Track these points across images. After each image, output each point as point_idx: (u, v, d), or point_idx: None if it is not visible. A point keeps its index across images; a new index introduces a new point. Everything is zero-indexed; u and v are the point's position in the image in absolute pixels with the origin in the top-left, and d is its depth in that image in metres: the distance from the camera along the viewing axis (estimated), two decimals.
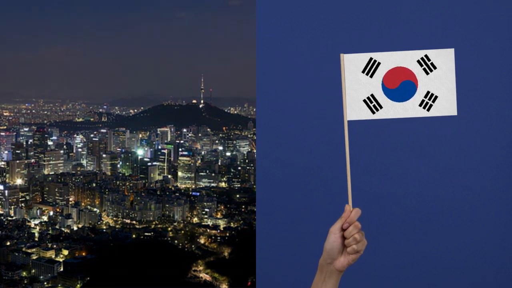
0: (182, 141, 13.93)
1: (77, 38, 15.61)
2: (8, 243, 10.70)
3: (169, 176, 12.92)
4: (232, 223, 11.52)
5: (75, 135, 14.16)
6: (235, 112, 15.34)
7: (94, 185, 12.39)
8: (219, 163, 13.02)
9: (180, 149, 13.26)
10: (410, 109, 1.89)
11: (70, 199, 12.22)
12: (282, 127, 3.86)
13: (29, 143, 13.26)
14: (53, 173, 12.79)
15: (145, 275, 10.05)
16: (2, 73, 14.88)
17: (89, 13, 15.13)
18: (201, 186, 12.60)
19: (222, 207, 11.81)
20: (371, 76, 1.89)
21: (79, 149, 13.75)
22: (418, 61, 1.88)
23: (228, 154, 13.29)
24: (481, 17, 3.74)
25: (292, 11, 3.83)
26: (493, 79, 3.77)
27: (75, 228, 11.47)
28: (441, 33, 3.76)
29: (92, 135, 14.07)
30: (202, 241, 11.24)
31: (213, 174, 12.69)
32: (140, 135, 14.14)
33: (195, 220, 11.73)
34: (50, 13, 15.23)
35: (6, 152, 13.01)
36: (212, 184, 12.60)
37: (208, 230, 11.40)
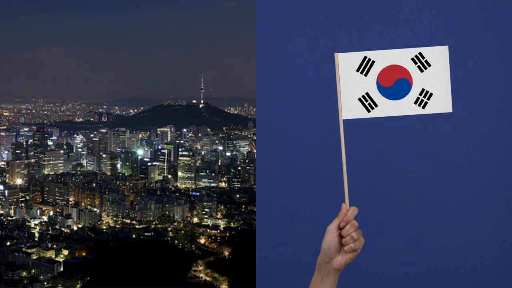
0: (182, 141, 13.93)
1: (77, 38, 15.61)
2: (8, 243, 10.70)
3: (169, 176, 12.92)
4: (232, 223, 11.52)
5: (75, 135, 14.16)
6: (235, 112, 15.33)
7: (94, 185, 12.39)
8: (219, 163, 13.02)
9: (180, 149, 13.26)
10: (405, 107, 1.89)
11: (70, 199, 12.22)
12: (282, 127, 3.86)
13: (29, 143, 13.26)
14: (53, 173, 12.79)
15: (145, 275, 10.05)
16: (2, 73, 14.88)
17: (89, 13, 15.14)
18: (201, 186, 12.60)
19: (222, 207, 11.81)
20: (365, 75, 1.90)
21: (79, 149, 13.74)
22: (413, 59, 1.88)
23: (228, 154, 13.29)
24: (475, 14, 3.74)
25: (292, 11, 3.83)
26: (488, 75, 3.77)
27: (75, 228, 11.47)
28: (435, 30, 3.76)
29: (92, 135, 14.07)
30: (202, 241, 11.24)
31: (213, 174, 12.68)
32: (140, 135, 14.13)
33: (195, 220, 11.73)
34: (50, 13, 15.23)
35: (6, 152, 13.01)
36: (212, 184, 12.60)
37: (208, 230, 11.40)
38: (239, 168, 12.72)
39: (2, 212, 11.64)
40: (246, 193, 12.15)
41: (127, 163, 13.20)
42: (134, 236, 11.30)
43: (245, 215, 11.58)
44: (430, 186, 3.81)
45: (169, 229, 11.45)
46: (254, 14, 3.87)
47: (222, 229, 11.40)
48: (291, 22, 3.84)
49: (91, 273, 10.11)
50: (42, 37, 15.64)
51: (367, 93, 1.90)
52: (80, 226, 11.58)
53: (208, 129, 14.06)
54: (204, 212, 11.72)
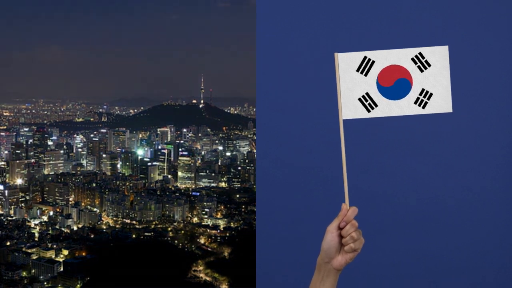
0: (182, 141, 13.93)
1: (77, 38, 15.61)
2: (8, 243, 10.70)
3: (169, 176, 12.92)
4: (232, 223, 11.51)
5: (75, 135, 14.16)
6: (235, 112, 15.33)
7: (94, 185, 12.39)
8: (219, 163, 13.02)
9: (180, 149, 13.26)
10: (405, 107, 1.89)
11: (70, 199, 12.22)
12: (282, 127, 3.86)
13: (29, 143, 13.26)
14: (53, 173, 12.79)
15: (145, 275, 10.04)
16: (2, 73, 14.88)
17: (89, 12, 15.14)
18: (201, 186, 12.59)
19: (222, 207, 11.81)
20: (365, 75, 1.90)
21: (79, 149, 13.74)
22: (413, 59, 1.88)
23: (228, 154, 13.29)
24: (475, 13, 3.74)
25: (292, 11, 3.83)
26: (488, 75, 3.77)
27: (75, 228, 11.47)
28: (435, 30, 3.76)
29: (92, 135, 14.07)
30: (202, 241, 11.24)
31: (213, 174, 12.68)
32: (140, 135, 14.13)
33: (195, 220, 11.73)
34: (50, 13, 15.23)
35: (6, 152, 13.01)
36: (212, 184, 12.59)
37: (208, 230, 11.40)
38: (239, 168, 12.72)
39: (2, 212, 11.64)
40: (246, 193, 12.15)
41: (127, 163, 13.20)
42: (134, 236, 11.30)
43: (245, 215, 11.58)
44: (430, 186, 3.81)
45: (169, 229, 11.45)
46: (254, 14, 3.87)
47: (222, 229, 11.40)
48: (291, 22, 3.84)
49: (91, 273, 10.11)
50: (42, 37, 15.64)
51: (367, 93, 1.90)
52: (80, 226, 11.58)
53: (208, 129, 14.06)
54: (204, 212, 11.72)
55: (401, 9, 3.76)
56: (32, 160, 12.84)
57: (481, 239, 3.81)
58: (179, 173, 12.85)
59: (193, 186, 12.63)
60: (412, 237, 3.83)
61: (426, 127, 3.77)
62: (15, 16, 14.81)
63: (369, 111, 1.90)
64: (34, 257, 10.40)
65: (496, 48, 3.76)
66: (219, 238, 11.22)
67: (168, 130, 14.17)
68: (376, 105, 1.90)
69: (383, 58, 1.89)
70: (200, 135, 14.03)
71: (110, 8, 15.53)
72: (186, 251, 10.97)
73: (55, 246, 10.72)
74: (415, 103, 1.89)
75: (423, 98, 1.89)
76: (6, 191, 11.81)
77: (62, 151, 13.33)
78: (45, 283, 10.02)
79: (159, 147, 13.57)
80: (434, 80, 1.88)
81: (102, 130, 14.12)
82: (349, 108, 1.90)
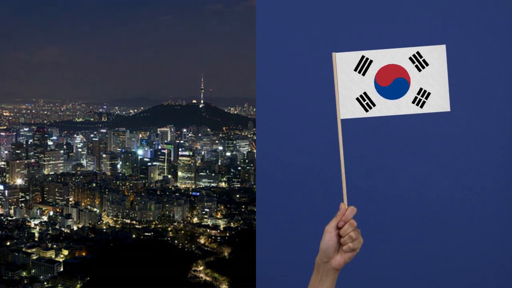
0: (182, 141, 13.92)
1: (77, 38, 15.61)
2: (8, 243, 10.70)
3: (169, 176, 12.91)
4: (232, 223, 11.51)
5: (75, 135, 14.16)
6: (235, 112, 15.33)
7: (94, 185, 12.39)
8: (219, 163, 13.02)
9: (180, 149, 13.26)
10: (403, 106, 1.89)
11: (70, 199, 12.22)
12: (282, 127, 3.86)
13: (29, 143, 13.26)
14: (53, 173, 12.78)
15: (145, 275, 10.04)
16: (2, 73, 14.88)
17: (89, 12, 15.14)
18: (201, 186, 12.59)
19: (222, 207, 11.80)
20: (363, 74, 1.90)
21: (79, 149, 13.74)
22: (410, 58, 1.89)
23: (228, 154, 13.29)
24: (473, 13, 3.74)
25: (292, 11, 3.83)
26: (485, 74, 3.78)
27: (75, 228, 11.46)
28: (432, 29, 3.76)
29: (92, 135, 14.07)
30: (202, 241, 11.23)
31: (213, 174, 12.68)
32: (140, 135, 14.13)
33: (195, 220, 11.72)
34: (50, 13, 15.23)
35: (6, 152, 13.01)
36: (212, 184, 12.59)
37: (208, 230, 11.40)
38: (239, 168, 12.72)
39: (2, 212, 11.63)
40: (246, 193, 12.15)
41: (127, 163, 13.20)
42: (134, 236, 11.30)
43: (245, 215, 11.58)
44: (429, 185, 3.81)
45: (169, 229, 11.44)
46: (254, 15, 3.87)
47: (222, 229, 11.39)
48: (290, 22, 3.84)
49: (91, 273, 10.11)
50: (42, 37, 15.64)
51: (365, 93, 1.90)
52: (80, 226, 11.58)
53: (208, 129, 14.06)
54: (204, 212, 11.72)
55: (398, 8, 3.76)
56: (32, 160, 12.84)
57: (481, 239, 3.81)
58: (179, 173, 12.85)
59: (193, 186, 12.62)
60: (411, 237, 3.83)
61: (424, 126, 3.78)
62: (15, 16, 14.80)
63: (367, 110, 1.91)
64: (34, 257, 10.40)
65: (494, 47, 3.76)
66: (219, 238, 11.22)
67: (168, 130, 14.17)
68: (374, 105, 1.90)
69: (380, 58, 1.89)
70: (200, 135, 14.03)
71: (110, 8, 15.52)
72: (186, 251, 10.97)
73: (55, 246, 10.71)
74: (413, 102, 1.89)
75: (421, 98, 1.89)
76: (6, 191, 11.81)
77: (62, 151, 13.32)
78: (45, 283, 10.02)
79: (159, 147, 13.57)
80: (432, 79, 1.88)
81: (102, 130, 14.11)
82: (347, 108, 1.90)
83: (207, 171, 12.75)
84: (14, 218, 11.58)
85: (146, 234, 11.35)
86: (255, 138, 12.87)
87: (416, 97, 1.89)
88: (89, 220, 11.68)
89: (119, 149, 13.54)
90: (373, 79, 1.90)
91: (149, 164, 13.08)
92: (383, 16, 3.76)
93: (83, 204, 12.10)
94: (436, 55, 1.88)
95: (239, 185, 12.49)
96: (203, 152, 13.54)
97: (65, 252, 10.62)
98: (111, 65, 16.11)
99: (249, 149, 13.37)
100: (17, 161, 12.62)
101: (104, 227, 11.62)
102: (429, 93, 1.88)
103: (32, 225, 11.46)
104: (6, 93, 15.39)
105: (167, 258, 10.59)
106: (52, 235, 11.09)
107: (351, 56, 1.90)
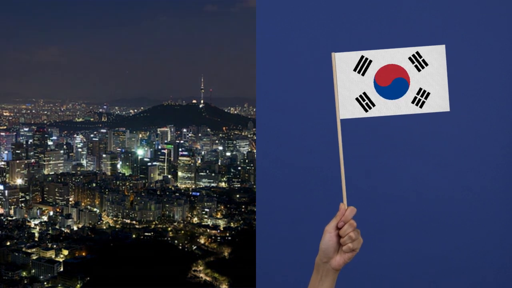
0: (182, 141, 13.93)
1: (77, 38, 15.61)
2: (8, 243, 10.70)
3: (169, 176, 12.92)
4: (232, 223, 11.51)
5: (75, 135, 14.16)
6: (235, 112, 15.33)
7: (94, 185, 12.39)
8: (219, 163, 13.02)
9: (180, 149, 13.26)
10: (402, 106, 1.89)
11: (70, 199, 12.22)
12: (282, 127, 3.86)
13: (29, 143, 13.26)
14: (53, 173, 12.79)
15: (145, 275, 10.05)
16: (2, 73, 14.88)
17: (90, 12, 15.14)
18: (201, 186, 12.60)
19: (222, 207, 11.81)
20: (363, 74, 1.90)
21: (79, 149, 13.74)
22: (410, 58, 1.89)
23: (228, 154, 13.29)
24: (472, 13, 3.74)
25: (292, 11, 3.83)
26: (485, 74, 3.78)
27: (75, 228, 11.47)
28: (432, 29, 3.76)
29: (92, 135, 14.07)
30: (202, 241, 11.24)
31: (213, 174, 12.68)
32: (140, 135, 14.13)
33: (195, 220, 11.73)
34: (50, 14, 15.23)
35: (6, 152, 13.01)
36: (212, 184, 12.59)
37: (208, 230, 11.40)
38: (239, 168, 12.72)
39: (2, 212, 11.64)
40: (246, 193, 12.15)
41: (127, 163, 13.20)
42: (134, 236, 11.30)
43: (245, 215, 11.58)
44: (429, 185, 3.81)
45: (169, 229, 11.44)
46: (254, 15, 3.87)
47: (222, 229, 11.39)
48: (290, 22, 3.84)
49: (91, 273, 10.11)
50: (42, 37, 15.64)
51: (364, 93, 1.90)
52: (80, 226, 11.58)
53: (208, 129, 14.06)
54: (204, 212, 11.72)
55: (398, 8, 3.76)
56: (32, 160, 12.84)
57: (481, 239, 3.81)
58: (179, 173, 12.85)
59: (193, 186, 12.63)
60: (411, 237, 3.82)
61: (424, 127, 3.78)
62: (15, 16, 14.80)
63: (366, 110, 1.91)
64: (34, 257, 10.40)
65: (494, 47, 3.76)
66: (219, 238, 11.22)
67: (168, 130, 14.17)
68: (373, 105, 1.90)
69: (380, 58, 1.89)
70: (200, 135, 14.03)
71: (110, 8, 15.52)
72: (186, 251, 10.97)
73: (55, 246, 10.72)
74: (413, 102, 1.89)
75: (420, 97, 1.89)
76: (6, 191, 11.81)
77: (62, 151, 13.33)
78: (45, 283, 10.02)
79: (159, 147, 13.57)
80: (432, 79, 1.88)
81: (102, 130, 14.12)
82: (347, 108, 1.90)
83: (207, 171, 12.76)
84: (14, 218, 11.58)
85: (146, 234, 11.36)
86: (255, 138, 12.87)
87: (415, 97, 1.89)
88: (89, 220, 11.68)
89: (119, 149, 13.54)
90: (372, 79, 1.90)
91: (149, 164, 13.08)
92: (383, 16, 3.76)
93: (83, 204, 12.11)
94: (435, 55, 1.88)
95: (239, 185, 12.49)
96: (203, 152, 13.54)
97: (65, 252, 10.62)
98: (111, 65, 16.10)
99: (249, 149, 13.37)
100: (17, 161, 12.63)
101: (104, 227, 11.62)
102: (428, 93, 1.88)
103: (32, 225, 11.47)
104: (6, 93, 15.41)
105: (167, 258, 10.59)
106: (52, 235, 11.09)
107: (351, 56, 1.90)
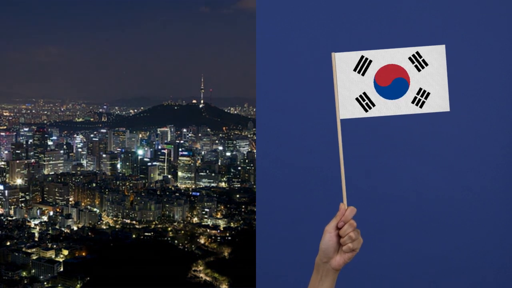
0: (182, 141, 13.93)
1: (77, 38, 15.61)
2: (8, 243, 10.70)
3: (169, 176, 12.92)
4: (232, 223, 11.51)
5: (75, 135, 14.16)
6: (235, 112, 15.33)
7: (94, 185, 12.39)
8: (219, 163, 13.02)
9: (180, 149, 13.26)
10: (402, 106, 1.89)
11: (70, 199, 12.22)
12: (282, 127, 3.86)
13: (29, 143, 13.26)
14: (53, 173, 12.79)
15: (145, 275, 10.05)
16: (2, 73, 14.88)
17: (89, 12, 15.13)
18: (201, 186, 12.59)
19: (222, 207, 11.80)
20: (363, 74, 1.90)
21: (79, 149, 13.74)
22: (410, 58, 1.89)
23: (228, 154, 13.29)
24: (472, 13, 3.74)
25: (292, 11, 3.83)
26: (485, 74, 3.78)
27: (75, 228, 11.46)
28: (432, 29, 3.76)
29: (92, 135, 14.07)
30: (202, 241, 11.24)
31: (213, 174, 12.68)
32: (140, 135, 14.13)
33: (195, 220, 11.72)
34: (50, 14, 15.23)
35: (6, 152, 13.01)
36: (212, 184, 12.59)
37: (208, 230, 11.40)
38: (239, 168, 12.72)
39: (2, 212, 11.64)
40: (246, 193, 12.15)
41: (127, 163, 13.20)
42: (134, 236, 11.30)
43: (245, 215, 11.57)
44: (429, 185, 3.81)
45: (169, 229, 11.44)
46: (254, 15, 3.87)
47: (222, 229, 11.39)
48: (290, 22, 3.84)
49: (91, 273, 10.11)
50: (42, 37, 15.64)
51: (364, 93, 1.90)
52: (80, 226, 11.58)
53: (208, 129, 14.06)
54: (204, 212, 11.72)
55: (398, 8, 3.76)
56: (32, 160, 12.84)
57: (481, 239, 3.81)
58: (179, 173, 12.85)
59: (193, 186, 12.62)
60: (411, 237, 3.82)
61: (424, 127, 3.78)
62: (15, 16, 14.80)
63: (366, 110, 1.91)
64: (34, 257, 10.40)
65: (494, 47, 3.76)
66: (219, 238, 11.22)
67: (168, 130, 14.17)
68: (373, 105, 1.90)
69: (380, 58, 1.89)
70: (200, 135, 14.03)
71: (110, 9, 15.52)
72: (186, 251, 10.97)
73: (55, 246, 10.71)
74: (413, 102, 1.89)
75: (420, 97, 1.89)
76: (6, 191, 11.81)
77: (62, 151, 13.33)
78: (45, 283, 10.02)
79: (159, 147, 13.57)
80: (432, 79, 1.88)
81: (102, 130, 14.12)
82: (347, 108, 1.91)
83: (207, 171, 12.76)
84: (14, 218, 11.58)
85: (146, 234, 11.36)
86: (255, 138, 12.87)
87: (415, 97, 1.89)
88: (89, 220, 11.68)
89: (119, 149, 13.54)
90: (372, 79, 1.90)
91: (149, 164, 13.08)
92: (383, 16, 3.76)
93: (83, 204, 12.11)
94: (435, 55, 1.88)
95: (239, 185, 12.49)
96: (203, 152, 13.54)
97: (65, 252, 10.62)
98: (111, 65, 16.10)
99: (249, 149, 13.37)
100: (17, 161, 12.63)
101: (104, 227, 11.62)
102: (428, 93, 1.88)
103: (32, 225, 11.47)
104: (6, 93, 15.40)
105: (167, 258, 10.59)
106: (52, 235, 11.09)
107: (351, 56, 1.90)
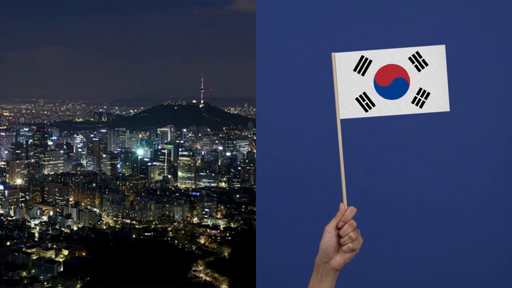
0: (182, 141, 13.93)
1: (77, 38, 15.61)
2: (8, 243, 10.70)
3: (169, 176, 12.92)
4: (232, 223, 11.51)
5: (75, 135, 14.16)
6: (235, 112, 15.33)
7: (94, 185, 12.39)
8: (219, 163, 13.02)
9: (180, 149, 13.26)
10: (402, 106, 1.89)
11: (70, 199, 12.22)
12: (282, 127, 3.86)
13: (29, 143, 13.26)
14: (53, 173, 12.79)
15: (145, 275, 10.05)
16: (2, 73, 14.88)
17: (89, 12, 15.13)
18: (201, 186, 12.60)
19: (222, 207, 11.80)
20: (363, 74, 1.90)
21: (79, 149, 13.74)
22: (410, 58, 1.89)
23: (228, 154, 13.29)
24: (472, 13, 3.74)
25: (292, 11, 3.83)
26: (485, 74, 3.78)
27: (75, 228, 11.46)
28: (432, 29, 3.76)
29: (92, 135, 14.07)
30: (202, 241, 11.24)
31: (213, 174, 12.68)
32: (140, 135, 14.13)
33: (195, 220, 11.73)
34: (50, 14, 15.23)
35: (6, 152, 13.01)
36: (212, 184, 12.59)
37: (208, 230, 11.40)
38: (239, 168, 12.72)
39: (2, 212, 11.64)
40: (246, 193, 12.15)
41: (127, 163, 13.20)
42: (134, 236, 11.30)
43: (245, 215, 11.58)
44: (429, 185, 3.81)
45: (169, 229, 11.45)
46: (254, 15, 3.87)
47: (222, 229, 11.39)
48: (290, 22, 3.84)
49: (91, 273, 10.11)
50: (42, 37, 15.64)
51: (364, 93, 1.90)
52: (80, 226, 11.58)
53: (208, 129, 14.06)
54: (204, 212, 11.72)
55: (398, 8, 3.76)
56: (32, 160, 12.84)
57: (481, 239, 3.81)
58: (179, 173, 12.85)
59: (193, 186, 12.63)
60: (411, 237, 3.82)
61: (424, 127, 3.78)
62: (15, 16, 14.80)
63: (366, 110, 1.91)
64: (34, 257, 10.40)
65: (494, 47, 3.76)
66: (219, 238, 11.22)
67: (168, 130, 14.17)
68: (373, 105, 1.90)
69: (380, 58, 1.89)
70: (200, 135, 14.03)
71: (110, 8, 15.52)
72: (186, 251, 10.97)
73: (55, 246, 10.72)
74: (413, 102, 1.89)
75: (420, 97, 1.89)
76: (6, 191, 11.81)
77: (62, 151, 13.33)
78: (45, 283, 10.02)
79: (159, 147, 13.57)
80: (432, 79, 1.88)
81: (102, 130, 14.12)
82: (347, 108, 1.91)
83: (207, 171, 12.76)
84: (14, 218, 11.58)
85: (146, 234, 11.36)
86: (255, 138, 12.87)
87: (415, 97, 1.89)
88: (89, 220, 11.68)
89: (119, 149, 13.54)
90: (372, 79, 1.90)
91: (149, 164, 13.08)
92: (383, 16, 3.76)
93: (83, 204, 12.11)
94: (435, 55, 1.88)
95: (239, 185, 12.49)
96: (203, 152, 13.54)
97: (65, 252, 10.62)
98: (111, 65, 16.10)
99: (249, 149, 13.37)
100: (17, 161, 12.63)
101: (104, 227, 11.62)
102: (428, 93, 1.88)
103: (32, 225, 11.47)
104: (6, 93, 15.40)
105: (167, 258, 10.59)
106: (52, 235, 11.09)
107: (351, 56, 1.90)
